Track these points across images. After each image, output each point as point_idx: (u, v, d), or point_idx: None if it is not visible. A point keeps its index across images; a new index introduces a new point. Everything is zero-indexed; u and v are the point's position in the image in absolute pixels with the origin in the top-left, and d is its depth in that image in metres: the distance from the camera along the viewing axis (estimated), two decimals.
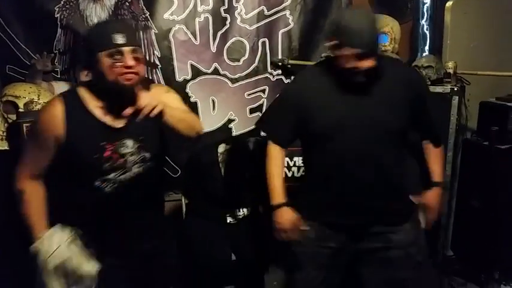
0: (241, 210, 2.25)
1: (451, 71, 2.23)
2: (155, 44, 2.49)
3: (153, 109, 1.25)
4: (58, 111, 1.33)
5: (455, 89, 2.18)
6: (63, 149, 1.35)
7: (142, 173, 1.43)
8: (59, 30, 2.39)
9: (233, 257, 2.23)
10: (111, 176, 1.38)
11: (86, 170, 1.38)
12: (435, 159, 1.69)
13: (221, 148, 2.29)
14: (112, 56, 1.27)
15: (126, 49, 1.28)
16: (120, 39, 1.27)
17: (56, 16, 2.37)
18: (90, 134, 1.35)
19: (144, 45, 2.48)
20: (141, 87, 1.34)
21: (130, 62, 1.28)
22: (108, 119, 1.37)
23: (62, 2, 2.37)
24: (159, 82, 2.50)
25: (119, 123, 1.37)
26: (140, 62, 1.33)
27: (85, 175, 1.38)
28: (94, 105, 1.36)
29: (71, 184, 1.42)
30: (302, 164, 2.82)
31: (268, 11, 2.61)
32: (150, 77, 2.49)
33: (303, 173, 2.77)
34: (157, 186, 1.58)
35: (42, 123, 1.37)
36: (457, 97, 2.18)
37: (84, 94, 1.37)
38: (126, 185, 1.41)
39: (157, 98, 1.30)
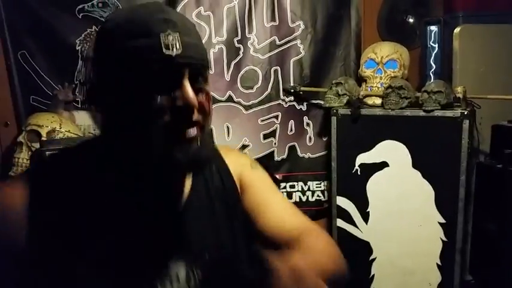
0: None
1: (460, 95, 2.26)
2: None
3: None
4: (14, 201, 0.67)
5: (466, 112, 2.20)
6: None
7: None
8: (80, 62, 2.50)
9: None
10: None
11: None
12: None
13: None
14: None
15: (185, 72, 0.64)
16: (175, 46, 0.62)
17: (77, 49, 2.48)
18: None
19: None
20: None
21: (192, 97, 0.63)
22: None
23: (83, 36, 2.49)
24: None
25: None
26: (208, 96, 0.70)
27: None
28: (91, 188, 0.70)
29: None
30: (316, 188, 2.85)
31: (279, 41, 2.69)
32: None
33: (318, 197, 2.79)
34: None
35: None
36: (468, 121, 2.19)
37: (75, 164, 0.71)
38: None
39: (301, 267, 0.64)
